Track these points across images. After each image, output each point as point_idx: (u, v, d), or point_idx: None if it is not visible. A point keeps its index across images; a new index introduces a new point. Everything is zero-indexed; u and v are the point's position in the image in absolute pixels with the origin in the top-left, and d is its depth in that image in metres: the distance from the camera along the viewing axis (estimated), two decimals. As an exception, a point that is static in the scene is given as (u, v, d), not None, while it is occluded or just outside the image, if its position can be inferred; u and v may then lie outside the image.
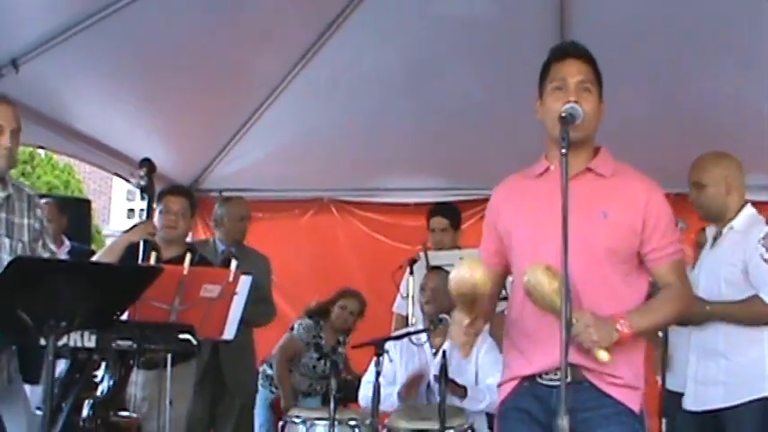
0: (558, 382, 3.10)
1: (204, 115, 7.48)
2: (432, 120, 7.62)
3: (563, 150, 3.06)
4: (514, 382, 3.43)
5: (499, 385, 3.55)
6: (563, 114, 3.19)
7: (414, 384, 5.52)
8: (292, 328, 7.26)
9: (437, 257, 6.37)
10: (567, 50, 3.48)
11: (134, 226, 5.48)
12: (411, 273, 6.59)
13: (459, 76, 7.16)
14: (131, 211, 20.90)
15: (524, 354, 3.40)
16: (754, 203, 5.24)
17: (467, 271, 3.22)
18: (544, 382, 3.33)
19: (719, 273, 4.79)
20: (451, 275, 3.29)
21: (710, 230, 5.04)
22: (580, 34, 6.62)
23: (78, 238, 7.56)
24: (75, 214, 7.76)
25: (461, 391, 5.39)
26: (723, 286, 4.76)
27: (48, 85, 6.14)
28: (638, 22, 6.50)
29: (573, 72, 3.38)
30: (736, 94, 6.92)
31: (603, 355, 3.14)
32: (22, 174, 16.08)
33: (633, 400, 3.32)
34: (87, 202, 8.54)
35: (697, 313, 4.73)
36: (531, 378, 3.37)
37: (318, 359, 7.12)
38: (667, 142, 7.06)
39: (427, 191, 8.52)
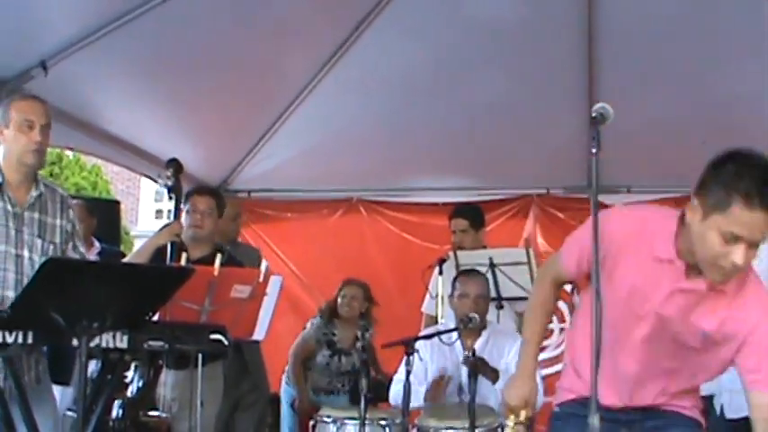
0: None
1: (233, 116, 7.50)
2: (460, 120, 7.63)
3: (593, 150, 2.82)
4: (576, 395, 3.43)
5: (560, 388, 3.57)
6: (594, 114, 2.93)
7: (438, 387, 5.49)
8: (305, 329, 7.28)
9: (467, 257, 6.33)
10: (764, 201, 2.87)
11: (161, 228, 5.50)
12: (440, 272, 6.58)
13: (487, 76, 7.13)
14: (159, 212, 20.89)
15: (584, 378, 3.32)
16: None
17: (528, 394, 3.38)
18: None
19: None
20: (511, 392, 3.42)
21: None
22: (608, 35, 6.70)
23: (108, 239, 7.56)
24: (104, 215, 7.77)
25: (494, 376, 5.37)
26: None
27: (76, 86, 6.16)
28: (665, 22, 6.45)
29: (759, 229, 2.90)
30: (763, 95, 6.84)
31: None
32: (51, 174, 16.14)
33: (698, 415, 3.45)
34: (116, 204, 8.56)
35: None
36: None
37: (332, 356, 7.11)
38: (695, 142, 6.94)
39: (456, 190, 8.50)
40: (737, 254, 2.90)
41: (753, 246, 2.92)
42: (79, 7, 5.66)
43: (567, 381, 3.52)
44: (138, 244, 7.45)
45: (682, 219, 3.09)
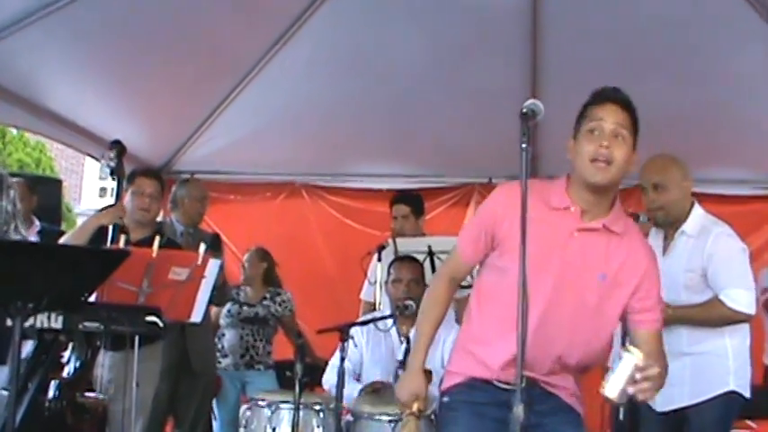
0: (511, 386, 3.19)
1: (177, 98, 7.50)
2: (405, 107, 7.68)
3: (523, 145, 2.96)
4: (461, 378, 3.57)
5: (449, 372, 3.69)
6: (524, 110, 3.05)
7: (375, 391, 5.55)
8: None
9: (406, 245, 6.40)
10: (607, 95, 3.43)
11: (104, 208, 5.50)
12: (379, 259, 6.62)
13: (431, 62, 7.21)
14: (103, 189, 20.83)
15: (479, 358, 3.53)
16: (727, 197, 5.35)
17: (416, 388, 3.62)
18: (501, 386, 3.43)
19: (678, 280, 4.79)
20: (401, 389, 3.66)
21: (657, 235, 5.03)
22: (554, 28, 6.78)
23: (48, 218, 7.52)
24: (45, 194, 7.72)
25: (426, 375, 5.43)
26: (683, 292, 4.81)
27: (20, 64, 6.14)
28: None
29: (610, 117, 3.36)
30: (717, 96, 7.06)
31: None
32: (-6, 150, 16.00)
33: (576, 404, 3.59)
34: (58, 182, 8.52)
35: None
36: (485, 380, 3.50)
37: (237, 305, 7.35)
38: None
39: (398, 177, 8.58)
40: (603, 140, 3.30)
41: (615, 136, 3.33)
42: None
43: (456, 364, 3.66)
44: (80, 222, 7.41)
45: (568, 176, 3.48)
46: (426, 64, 7.26)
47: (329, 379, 5.52)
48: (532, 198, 3.16)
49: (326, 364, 5.74)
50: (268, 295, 7.44)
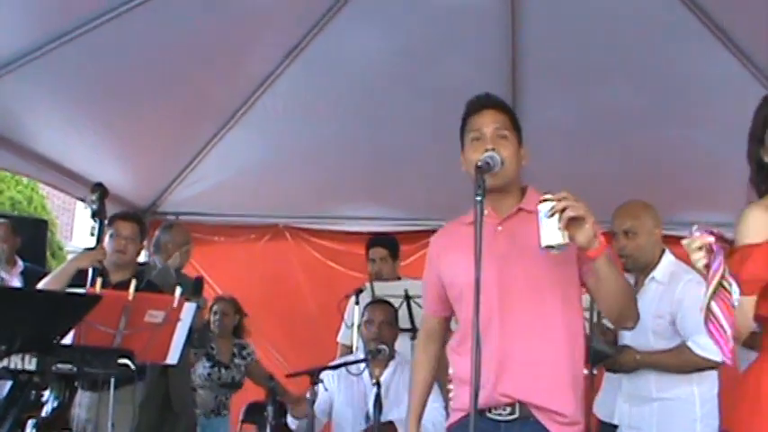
0: (505, 417, 3.41)
1: (163, 140, 7.61)
2: (386, 152, 7.80)
3: (477, 197, 3.11)
4: (464, 413, 3.57)
5: (453, 410, 3.72)
6: (479, 164, 3.27)
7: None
8: None
9: (382, 288, 6.48)
10: (482, 102, 3.63)
11: (84, 251, 5.60)
12: (357, 302, 6.70)
13: (413, 109, 7.33)
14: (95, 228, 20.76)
15: (465, 389, 3.51)
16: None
17: None
18: (491, 416, 3.48)
19: (647, 325, 4.79)
20: None
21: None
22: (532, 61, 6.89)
23: (33, 257, 7.62)
24: (31, 234, 7.83)
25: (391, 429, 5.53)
26: (651, 338, 4.88)
27: (8, 107, 6.25)
28: (587, 64, 6.75)
29: (488, 122, 3.54)
30: (688, 139, 7.17)
31: (565, 237, 3.16)
32: (-13, 188, 16.06)
33: None
34: (44, 222, 8.62)
35: (627, 362, 4.92)
36: (480, 411, 3.47)
37: (212, 367, 7.38)
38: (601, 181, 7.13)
39: (380, 220, 8.67)
40: (487, 145, 3.46)
41: (499, 137, 3.50)
42: (10, 31, 5.73)
43: (456, 401, 3.71)
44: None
45: None
46: (407, 110, 7.38)
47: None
48: (451, 228, 3.65)
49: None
50: (236, 350, 7.54)
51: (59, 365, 4.00)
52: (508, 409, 3.43)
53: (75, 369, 4.05)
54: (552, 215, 3.13)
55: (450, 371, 3.82)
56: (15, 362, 3.83)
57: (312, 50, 6.97)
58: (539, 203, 3.19)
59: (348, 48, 6.97)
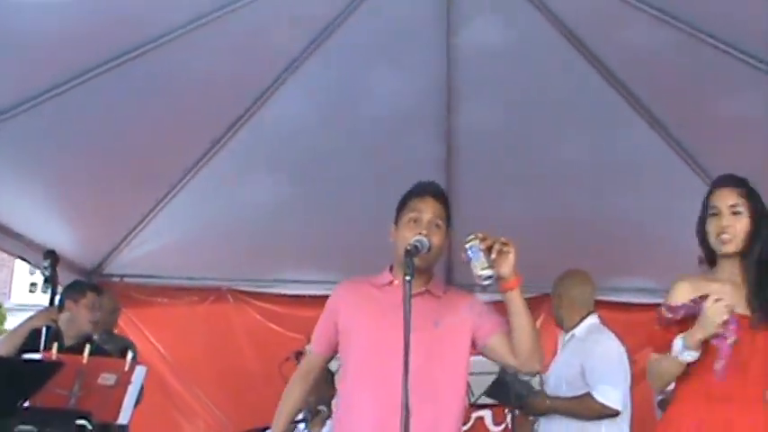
0: None
1: (108, 205, 7.74)
2: (323, 217, 8.00)
3: (407, 278, 3.51)
4: None
5: None
6: (408, 247, 3.70)
7: None
8: None
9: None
10: (427, 189, 4.03)
11: (38, 312, 5.80)
12: (298, 363, 6.92)
13: (349, 173, 7.61)
14: (33, 284, 20.62)
15: None
16: (635, 305, 6.02)
17: None
18: None
19: (561, 375, 5.47)
20: None
21: (561, 338, 5.65)
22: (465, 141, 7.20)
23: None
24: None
25: None
26: (564, 387, 5.43)
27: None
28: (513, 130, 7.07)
29: (428, 209, 3.93)
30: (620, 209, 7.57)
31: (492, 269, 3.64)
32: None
33: None
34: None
35: (538, 406, 5.49)
36: None
37: None
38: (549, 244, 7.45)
39: (319, 283, 8.66)
40: (422, 229, 3.84)
41: (433, 225, 3.90)
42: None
43: None
44: (11, 318, 7.70)
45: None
46: (343, 173, 7.64)
47: None
48: (360, 285, 4.07)
49: None
50: None
51: (21, 427, 4.21)
52: None
53: (36, 431, 4.26)
54: (487, 249, 3.61)
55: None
56: (-22, 424, 4.04)
57: (256, 120, 7.19)
58: (467, 242, 3.66)
59: (289, 116, 7.17)
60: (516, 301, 3.73)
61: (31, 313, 5.93)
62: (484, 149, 7.33)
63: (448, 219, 3.99)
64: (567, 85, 6.73)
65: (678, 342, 3.62)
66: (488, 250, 3.60)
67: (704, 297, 3.59)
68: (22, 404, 4.23)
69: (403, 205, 4.02)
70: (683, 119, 6.76)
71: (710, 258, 3.85)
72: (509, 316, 3.77)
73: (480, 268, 3.62)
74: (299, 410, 4.27)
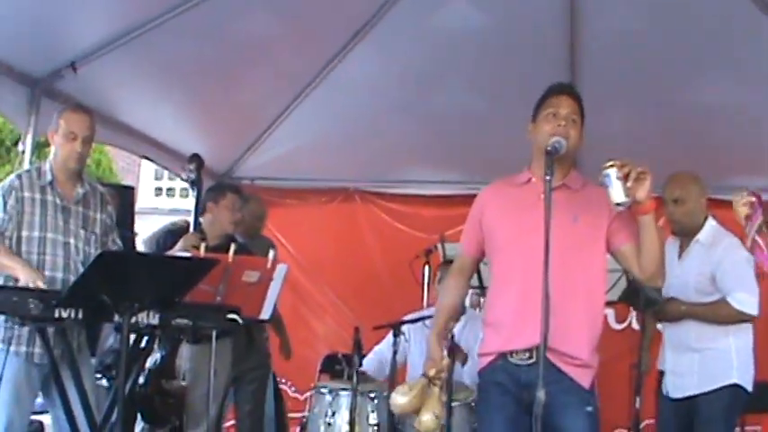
0: (525, 362, 3.96)
1: (239, 111, 8.04)
2: (450, 118, 8.11)
3: (547, 177, 3.71)
4: (491, 357, 4.14)
5: (479, 355, 4.27)
6: (548, 148, 3.86)
7: None
8: None
9: (453, 249, 6.88)
10: (563, 88, 4.24)
11: (183, 239, 5.97)
12: (427, 262, 7.20)
13: (479, 76, 7.71)
14: (159, 189, 21.20)
15: (501, 334, 4.11)
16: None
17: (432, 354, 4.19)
18: (514, 361, 4.03)
19: (689, 282, 5.44)
20: (393, 403, 4.21)
21: (674, 243, 5.60)
22: (588, 51, 7.25)
23: (122, 223, 8.05)
24: (119, 201, 8.26)
25: (462, 356, 6.10)
26: (693, 294, 5.44)
27: (102, 85, 6.72)
28: (639, 36, 7.00)
29: (565, 105, 4.10)
30: (733, 104, 7.44)
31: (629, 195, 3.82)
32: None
33: (586, 378, 4.04)
34: (131, 189, 9.06)
35: (673, 311, 5.49)
36: (503, 355, 4.07)
37: None
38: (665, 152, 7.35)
39: (443, 183, 9.07)
40: (560, 121, 4.03)
41: (569, 120, 4.06)
42: (105, 16, 6.24)
43: (485, 345, 4.24)
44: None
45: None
46: (468, 76, 7.74)
47: (368, 363, 6.38)
48: (501, 186, 4.29)
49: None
50: None
51: (177, 320, 4.55)
52: (527, 354, 3.97)
53: (190, 323, 4.59)
54: (624, 176, 3.76)
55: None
56: (141, 317, 4.38)
57: (379, 28, 7.31)
58: (605, 168, 3.82)
59: (413, 25, 7.30)
60: (650, 224, 3.89)
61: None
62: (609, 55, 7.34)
63: (582, 115, 4.14)
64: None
65: None
66: (625, 177, 3.76)
67: None
68: (180, 299, 4.56)
69: (541, 102, 4.18)
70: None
71: None
72: (642, 235, 3.94)
73: (616, 194, 3.79)
74: (456, 307, 4.47)
